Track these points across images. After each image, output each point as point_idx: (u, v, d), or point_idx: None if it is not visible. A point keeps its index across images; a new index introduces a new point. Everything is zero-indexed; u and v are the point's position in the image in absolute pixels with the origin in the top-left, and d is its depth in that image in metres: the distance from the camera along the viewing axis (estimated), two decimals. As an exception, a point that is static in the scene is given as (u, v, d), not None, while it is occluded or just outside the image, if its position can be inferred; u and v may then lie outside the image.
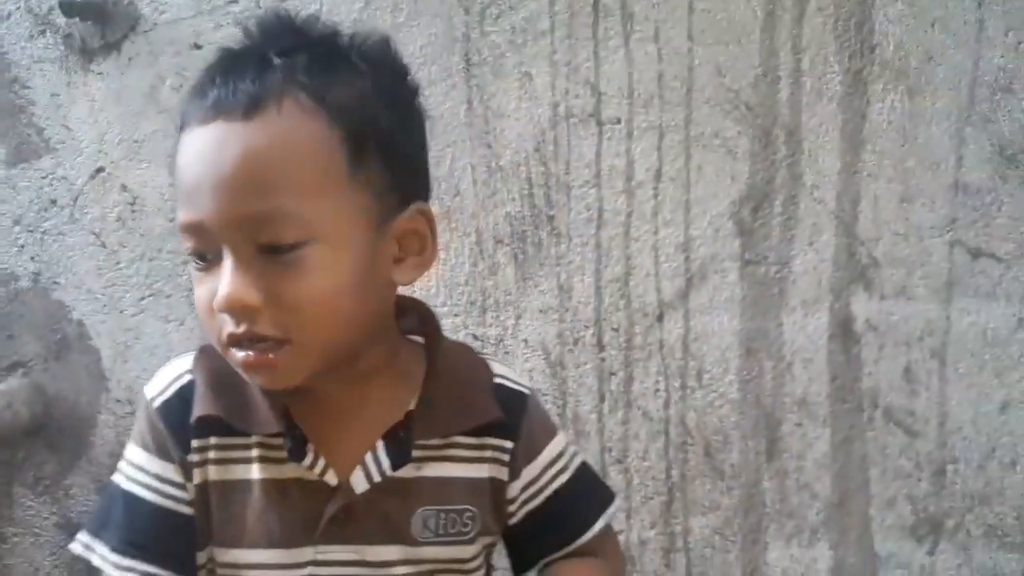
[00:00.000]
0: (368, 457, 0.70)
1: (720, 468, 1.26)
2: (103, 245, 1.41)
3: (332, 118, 0.63)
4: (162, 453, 0.71)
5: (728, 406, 1.24)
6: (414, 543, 0.71)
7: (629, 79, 1.19)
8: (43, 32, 1.38)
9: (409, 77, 0.70)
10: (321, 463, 0.69)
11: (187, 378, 0.71)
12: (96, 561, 0.72)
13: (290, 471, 0.69)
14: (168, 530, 0.71)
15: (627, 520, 1.29)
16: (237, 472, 0.70)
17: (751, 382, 1.23)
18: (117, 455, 1.51)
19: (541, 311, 1.27)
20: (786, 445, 1.24)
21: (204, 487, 0.70)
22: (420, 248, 0.68)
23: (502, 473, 0.75)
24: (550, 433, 0.79)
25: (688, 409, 1.25)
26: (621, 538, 1.29)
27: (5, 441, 1.47)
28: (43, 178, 1.42)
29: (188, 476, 0.70)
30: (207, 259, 0.63)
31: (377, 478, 0.70)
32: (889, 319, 1.19)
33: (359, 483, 0.69)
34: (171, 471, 0.71)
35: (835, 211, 1.18)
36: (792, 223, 1.19)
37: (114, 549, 0.71)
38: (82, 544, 0.73)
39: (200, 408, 0.69)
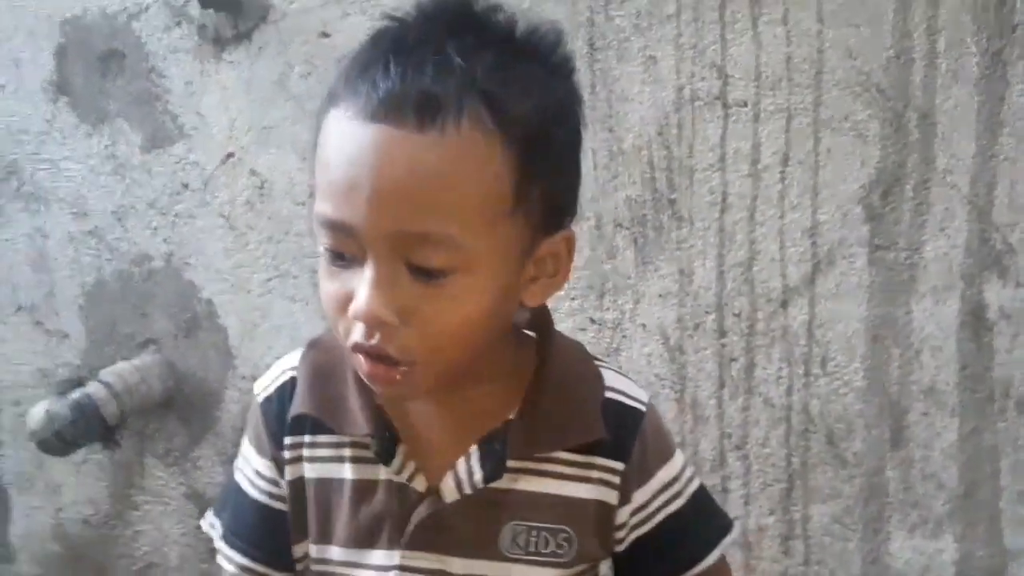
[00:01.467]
0: (460, 464, 0.67)
1: (842, 456, 1.24)
2: (232, 227, 1.47)
3: (508, 139, 0.58)
4: (260, 449, 0.73)
5: (853, 394, 1.22)
6: (501, 558, 0.68)
7: (756, 61, 1.18)
8: (179, 23, 1.43)
9: (575, 79, 0.65)
10: (410, 467, 0.68)
11: (289, 375, 0.72)
12: (215, 542, 0.77)
13: (382, 472, 0.68)
14: (265, 525, 0.74)
15: (745, 506, 1.29)
16: (330, 470, 0.70)
17: (877, 370, 1.21)
18: (241, 429, 1.58)
19: (660, 296, 1.27)
20: (912, 434, 1.22)
21: (299, 483, 0.72)
22: (554, 270, 0.65)
23: (611, 496, 0.70)
24: (666, 455, 0.73)
25: (811, 396, 1.24)
26: (738, 524, 1.29)
27: (138, 413, 1.54)
28: (176, 163, 1.48)
29: (281, 472, 0.72)
30: (344, 259, 0.60)
31: (468, 490, 0.67)
32: (1025, 307, 1.16)
33: (449, 492, 0.67)
34: (267, 467, 0.73)
35: (969, 196, 1.15)
36: (923, 208, 1.16)
37: (223, 536, 0.76)
38: (208, 523, 0.78)
39: (296, 406, 0.70)
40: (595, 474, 0.70)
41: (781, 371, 1.24)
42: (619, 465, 0.70)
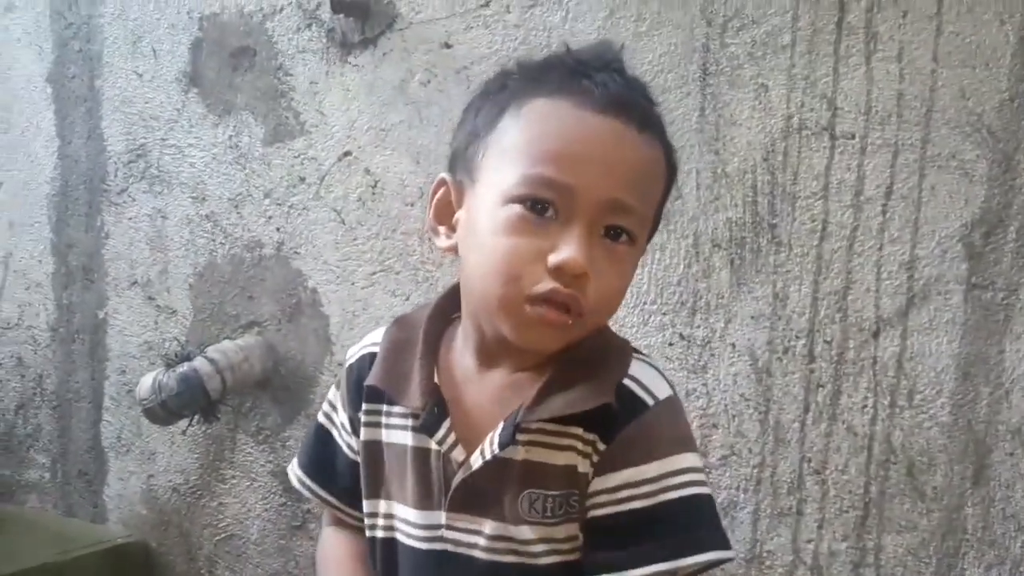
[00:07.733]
0: (489, 435, 0.76)
1: (921, 489, 1.25)
2: (342, 222, 1.54)
3: (667, 164, 0.79)
4: (343, 403, 0.88)
5: (937, 428, 1.24)
6: (522, 522, 0.76)
7: (867, 96, 1.21)
8: (309, 26, 1.52)
9: None
10: (451, 439, 0.77)
11: (371, 349, 0.85)
12: (291, 475, 0.92)
13: (432, 442, 0.78)
14: (335, 460, 0.88)
15: (819, 530, 1.31)
16: (399, 436, 0.81)
17: (964, 407, 1.22)
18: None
19: (752, 317, 1.30)
20: (995, 473, 1.22)
21: (375, 445, 0.83)
22: None
23: (591, 470, 0.76)
24: (654, 453, 0.74)
25: (895, 428, 1.25)
26: (810, 547, 1.31)
27: (238, 390, 1.62)
28: (295, 157, 1.57)
29: (356, 430, 0.85)
30: (544, 215, 0.72)
31: (488, 457, 0.75)
32: (1122, 356, 1.16)
33: (475, 460, 0.76)
34: (344, 418, 0.87)
35: (1073, 242, 1.16)
36: (1025, 251, 1.18)
37: (301, 464, 0.91)
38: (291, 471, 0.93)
39: (370, 378, 0.82)
40: (589, 448, 0.76)
41: (867, 400, 1.26)
42: (602, 445, 0.75)
